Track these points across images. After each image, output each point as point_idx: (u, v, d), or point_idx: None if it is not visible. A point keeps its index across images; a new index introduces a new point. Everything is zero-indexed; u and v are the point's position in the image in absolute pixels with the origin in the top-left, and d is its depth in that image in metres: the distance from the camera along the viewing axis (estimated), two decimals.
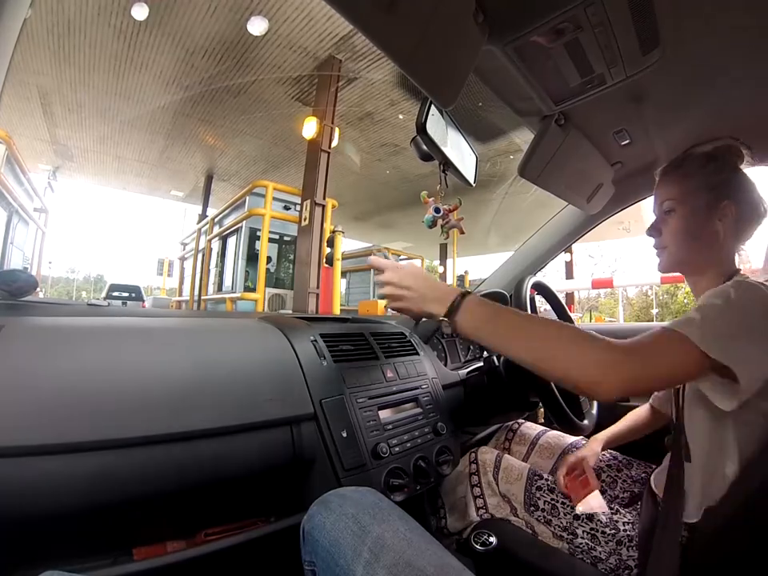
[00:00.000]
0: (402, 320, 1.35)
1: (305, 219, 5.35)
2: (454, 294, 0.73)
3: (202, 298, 7.45)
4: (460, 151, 1.02)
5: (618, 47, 0.74)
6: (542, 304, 1.57)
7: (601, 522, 0.87)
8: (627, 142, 1.13)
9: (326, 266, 5.44)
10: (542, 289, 1.29)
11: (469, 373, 1.28)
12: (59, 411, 0.57)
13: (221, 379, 0.74)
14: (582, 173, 1.22)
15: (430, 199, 1.07)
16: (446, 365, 1.35)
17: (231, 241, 7.75)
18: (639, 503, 0.94)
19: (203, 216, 9.99)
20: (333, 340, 0.98)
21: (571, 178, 1.20)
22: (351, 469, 0.81)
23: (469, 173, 1.07)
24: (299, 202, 5.83)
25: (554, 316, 1.42)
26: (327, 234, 5.38)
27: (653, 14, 0.68)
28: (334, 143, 5.47)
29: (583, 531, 0.87)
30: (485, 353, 1.54)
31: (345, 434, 0.84)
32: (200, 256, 8.27)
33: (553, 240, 1.60)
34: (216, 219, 7.89)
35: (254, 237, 7.14)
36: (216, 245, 8.09)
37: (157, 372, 0.69)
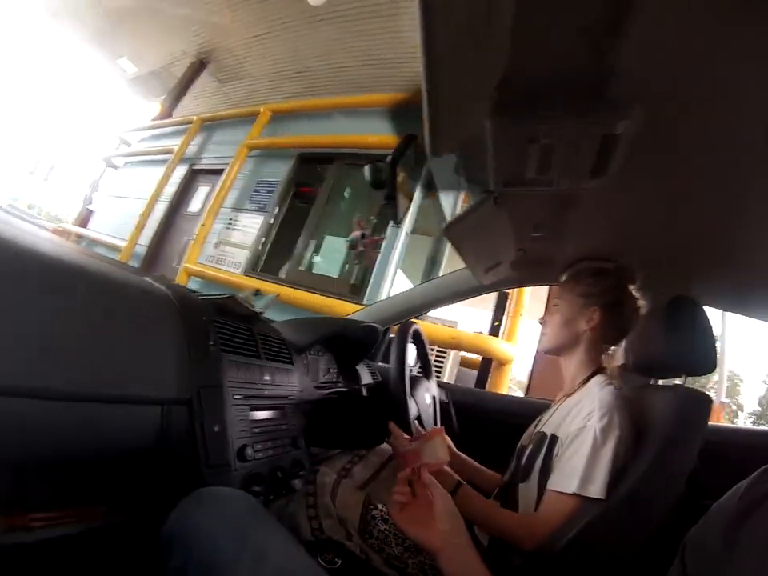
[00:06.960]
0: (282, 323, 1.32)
1: None
2: (454, 484, 1.03)
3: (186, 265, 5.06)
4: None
5: (576, 167, 0.84)
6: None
7: (429, 557, 0.93)
8: (539, 235, 1.25)
9: None
10: (418, 339, 1.42)
11: (330, 394, 1.31)
12: None
13: (84, 338, 0.60)
14: (492, 248, 1.34)
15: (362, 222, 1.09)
16: (312, 381, 1.34)
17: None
18: None
19: (167, 115, 7.14)
20: (224, 327, 0.92)
21: (481, 248, 1.33)
22: (216, 466, 0.76)
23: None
24: None
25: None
26: None
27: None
28: None
29: (413, 563, 0.92)
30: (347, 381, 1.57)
31: (216, 429, 0.78)
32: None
33: (442, 293, 1.73)
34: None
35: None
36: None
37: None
